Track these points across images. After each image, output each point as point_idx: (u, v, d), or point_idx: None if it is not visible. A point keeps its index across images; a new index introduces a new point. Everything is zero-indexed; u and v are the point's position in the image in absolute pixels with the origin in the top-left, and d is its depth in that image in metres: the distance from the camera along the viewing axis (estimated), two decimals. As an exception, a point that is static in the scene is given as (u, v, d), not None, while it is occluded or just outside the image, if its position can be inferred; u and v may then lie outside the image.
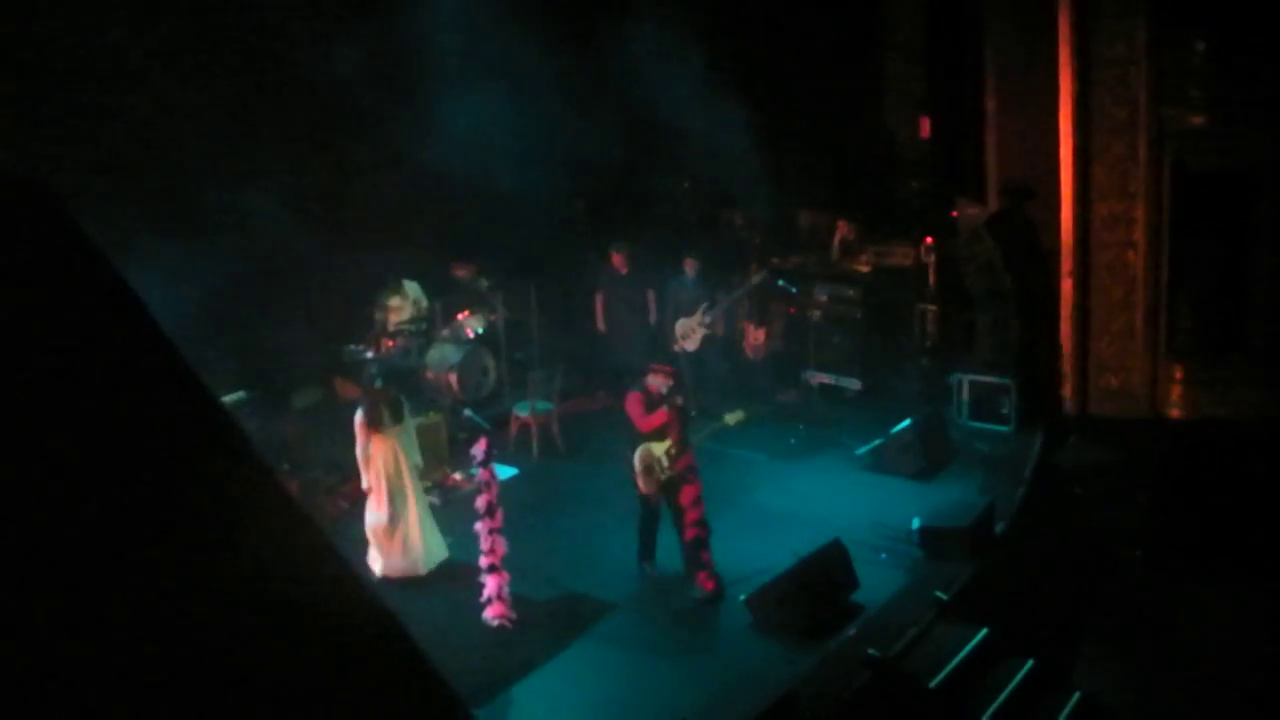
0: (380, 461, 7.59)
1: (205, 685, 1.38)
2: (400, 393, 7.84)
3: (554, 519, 8.75)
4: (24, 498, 1.34)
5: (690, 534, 7.51)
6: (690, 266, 10.95)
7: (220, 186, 8.80)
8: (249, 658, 1.44)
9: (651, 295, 10.79)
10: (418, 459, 7.83)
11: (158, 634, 1.35)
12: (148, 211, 8.25)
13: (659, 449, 7.44)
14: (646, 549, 7.71)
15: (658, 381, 7.47)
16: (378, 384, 7.71)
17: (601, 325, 10.73)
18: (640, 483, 7.47)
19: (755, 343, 11.96)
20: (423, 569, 7.67)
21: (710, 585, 7.41)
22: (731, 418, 7.78)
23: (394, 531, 7.57)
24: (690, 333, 10.87)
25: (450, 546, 8.10)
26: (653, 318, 10.72)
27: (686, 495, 7.54)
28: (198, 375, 1.56)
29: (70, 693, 1.29)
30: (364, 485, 7.62)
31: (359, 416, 7.60)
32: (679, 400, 7.52)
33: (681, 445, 7.50)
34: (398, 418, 7.67)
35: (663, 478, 7.45)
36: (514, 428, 10.12)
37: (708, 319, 10.88)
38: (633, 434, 7.44)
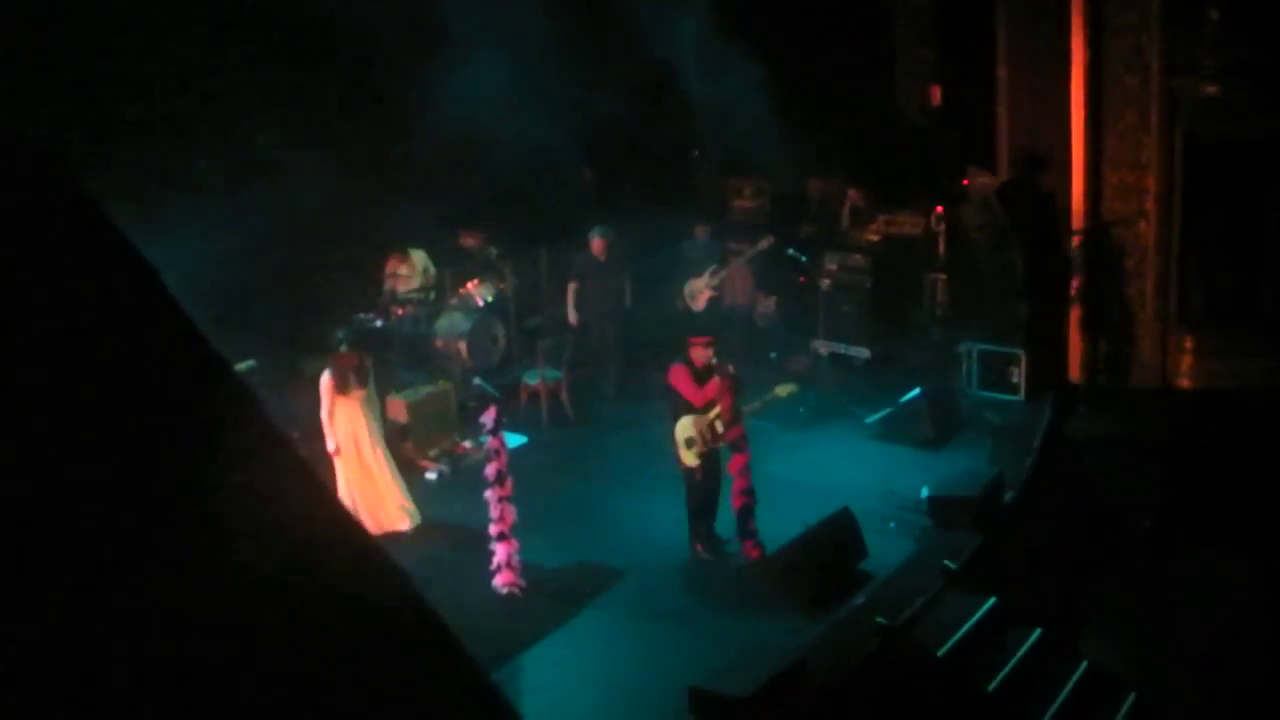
0: (345, 423, 7.68)
1: (225, 657, 1.38)
2: (368, 358, 7.90)
3: (563, 487, 8.76)
4: (36, 466, 1.32)
5: (739, 502, 7.52)
6: (701, 232, 10.99)
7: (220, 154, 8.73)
8: (268, 628, 1.44)
9: (628, 282, 10.66)
10: (378, 424, 7.91)
11: (175, 603, 1.34)
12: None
13: (702, 421, 7.36)
14: (701, 529, 7.56)
15: (701, 352, 7.37)
16: (343, 349, 7.74)
17: (573, 317, 10.54)
18: (684, 457, 7.40)
19: (765, 311, 11.99)
20: (401, 525, 7.78)
21: (755, 554, 7.41)
22: (783, 389, 7.81)
23: (359, 488, 7.65)
24: (697, 293, 10.90)
25: (458, 514, 8.12)
26: (629, 301, 10.55)
27: (735, 464, 7.54)
28: (210, 344, 1.49)
29: (84, 664, 1.27)
30: (330, 447, 7.66)
31: (325, 380, 7.65)
32: (730, 368, 7.44)
33: (734, 414, 7.44)
34: (363, 382, 7.72)
35: (706, 450, 7.38)
36: (523, 396, 10.09)
37: (715, 280, 10.87)
38: (675, 407, 7.36)
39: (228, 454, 1.48)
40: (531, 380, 10.16)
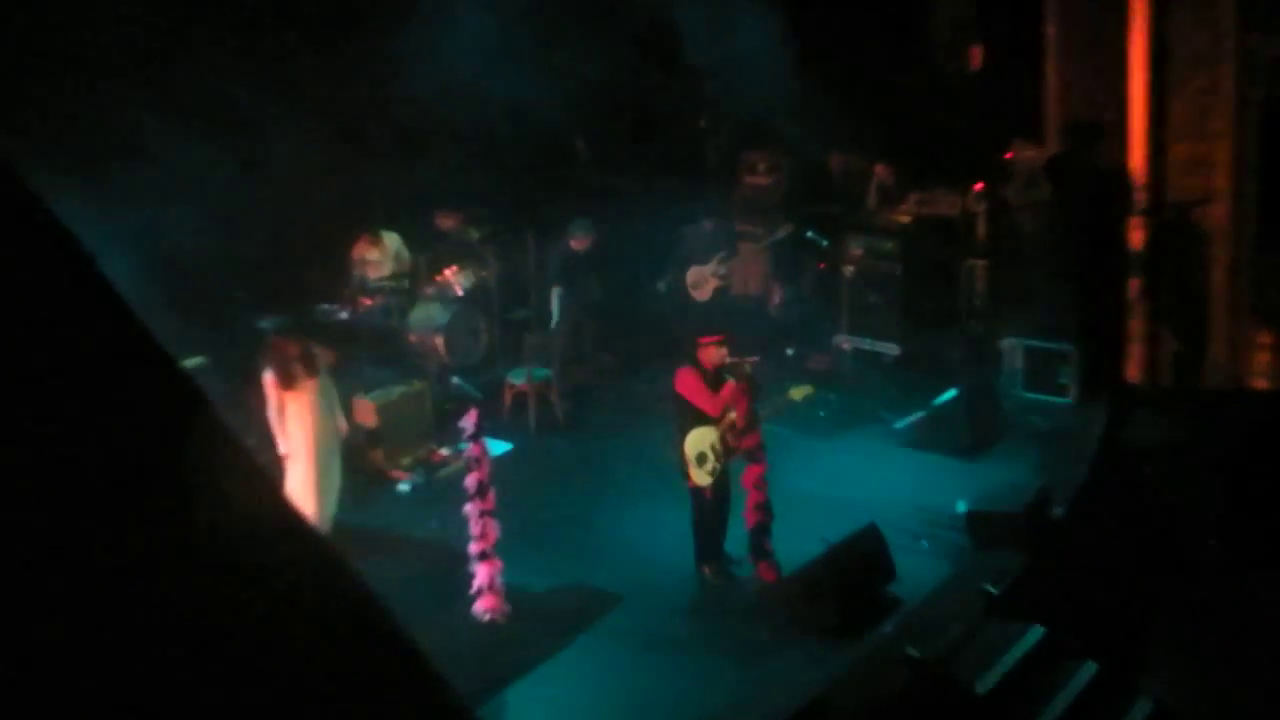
0: (296, 421, 7.66)
1: (172, 692, 1.43)
2: (311, 345, 7.92)
3: (553, 500, 8.81)
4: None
5: (753, 519, 7.51)
6: (708, 226, 11.00)
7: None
8: (224, 653, 1.48)
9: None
10: (340, 420, 7.93)
11: (126, 618, 1.41)
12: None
13: (715, 433, 7.34)
14: (707, 549, 7.58)
15: (713, 353, 7.34)
16: (276, 334, 7.77)
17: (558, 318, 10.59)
18: (694, 474, 7.37)
19: (781, 301, 11.97)
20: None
21: (771, 576, 7.42)
22: (798, 392, 7.82)
23: (318, 498, 7.65)
24: (702, 282, 10.85)
25: (434, 530, 8.13)
26: (595, 294, 10.64)
27: (750, 476, 7.53)
28: (162, 348, 1.56)
29: (33, 672, 1.34)
30: (280, 450, 7.64)
31: (267, 376, 7.64)
32: (746, 368, 7.41)
33: (750, 420, 7.42)
34: (312, 371, 7.71)
35: (719, 465, 7.37)
36: (508, 397, 10.07)
37: (723, 269, 10.83)
38: (684, 418, 7.34)
39: (174, 463, 1.51)
40: (517, 380, 10.13)
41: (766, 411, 7.72)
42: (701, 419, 7.33)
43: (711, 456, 7.35)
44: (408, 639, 1.75)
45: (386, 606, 1.71)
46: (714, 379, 7.35)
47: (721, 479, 7.45)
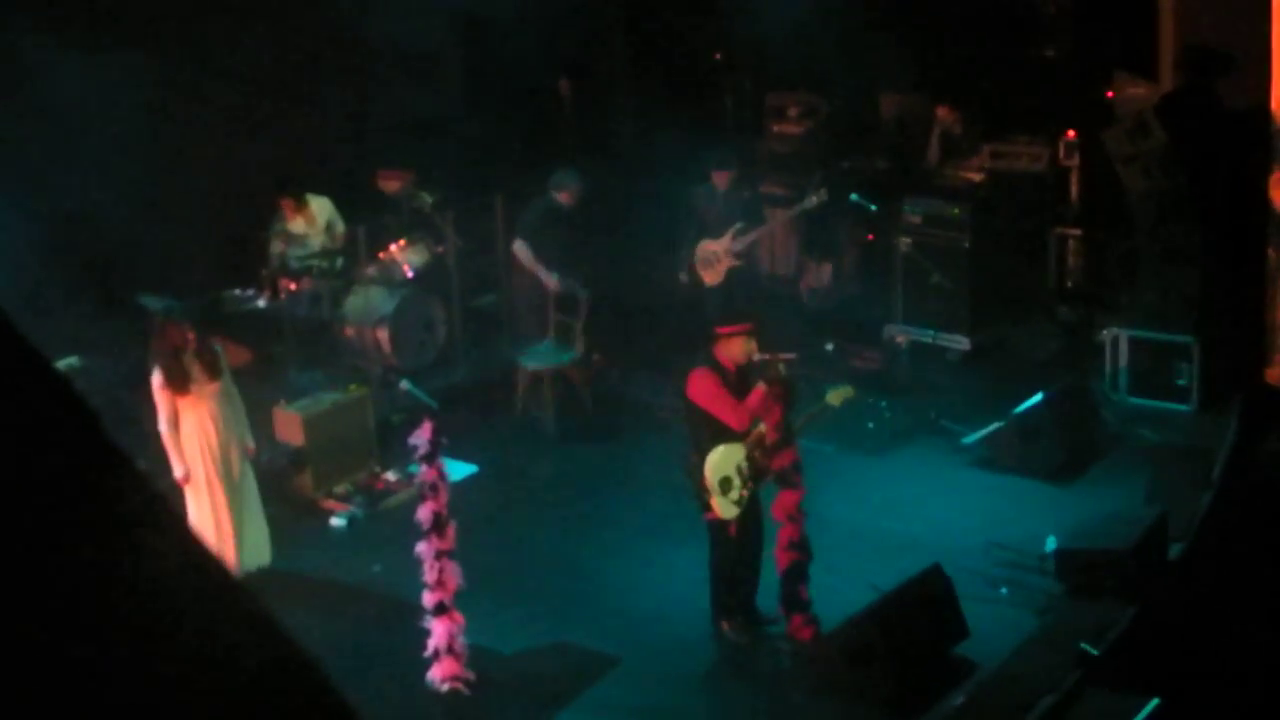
0: (194, 435, 7.69)
1: None
2: (213, 339, 7.96)
3: (531, 537, 8.86)
4: None
5: (786, 560, 7.45)
6: (722, 180, 10.96)
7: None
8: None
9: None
10: (244, 431, 7.98)
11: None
12: None
13: (741, 451, 7.30)
14: (730, 600, 7.57)
15: (738, 348, 7.29)
16: (162, 322, 7.72)
17: (549, 280, 10.62)
18: (716, 504, 7.31)
19: (817, 284, 11.98)
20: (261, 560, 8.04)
21: (808, 634, 7.41)
22: (836, 396, 7.65)
23: (219, 527, 7.72)
24: (713, 262, 10.87)
25: (378, 577, 8.12)
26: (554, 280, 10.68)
27: (783, 504, 7.46)
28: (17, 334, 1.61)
29: None
30: (176, 474, 7.66)
31: (155, 378, 7.62)
32: (781, 366, 7.33)
33: (784, 433, 7.37)
34: (213, 373, 7.73)
35: (747, 493, 7.33)
36: (520, 386, 10.29)
37: (738, 246, 10.86)
38: (702, 430, 7.30)
39: (51, 491, 1.56)
40: (535, 363, 10.25)
41: (798, 422, 7.63)
42: (724, 434, 7.27)
43: (738, 481, 7.30)
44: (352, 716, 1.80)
45: (327, 676, 1.77)
46: (739, 382, 7.32)
47: (750, 510, 7.41)
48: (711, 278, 10.92)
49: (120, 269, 9.49)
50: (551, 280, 10.60)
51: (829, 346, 11.29)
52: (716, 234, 10.91)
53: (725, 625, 7.62)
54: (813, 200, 11.01)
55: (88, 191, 9.11)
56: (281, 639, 1.76)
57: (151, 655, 1.60)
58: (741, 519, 7.37)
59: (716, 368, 7.32)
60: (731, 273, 10.92)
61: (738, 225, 10.92)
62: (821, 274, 11.98)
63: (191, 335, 7.72)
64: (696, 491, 7.36)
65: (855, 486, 9.25)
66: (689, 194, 11.05)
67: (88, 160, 9.06)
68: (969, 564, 7.97)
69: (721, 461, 7.28)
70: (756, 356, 7.32)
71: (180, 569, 1.66)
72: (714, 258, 10.90)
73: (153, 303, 8.24)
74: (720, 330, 7.40)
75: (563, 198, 10.59)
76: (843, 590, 7.59)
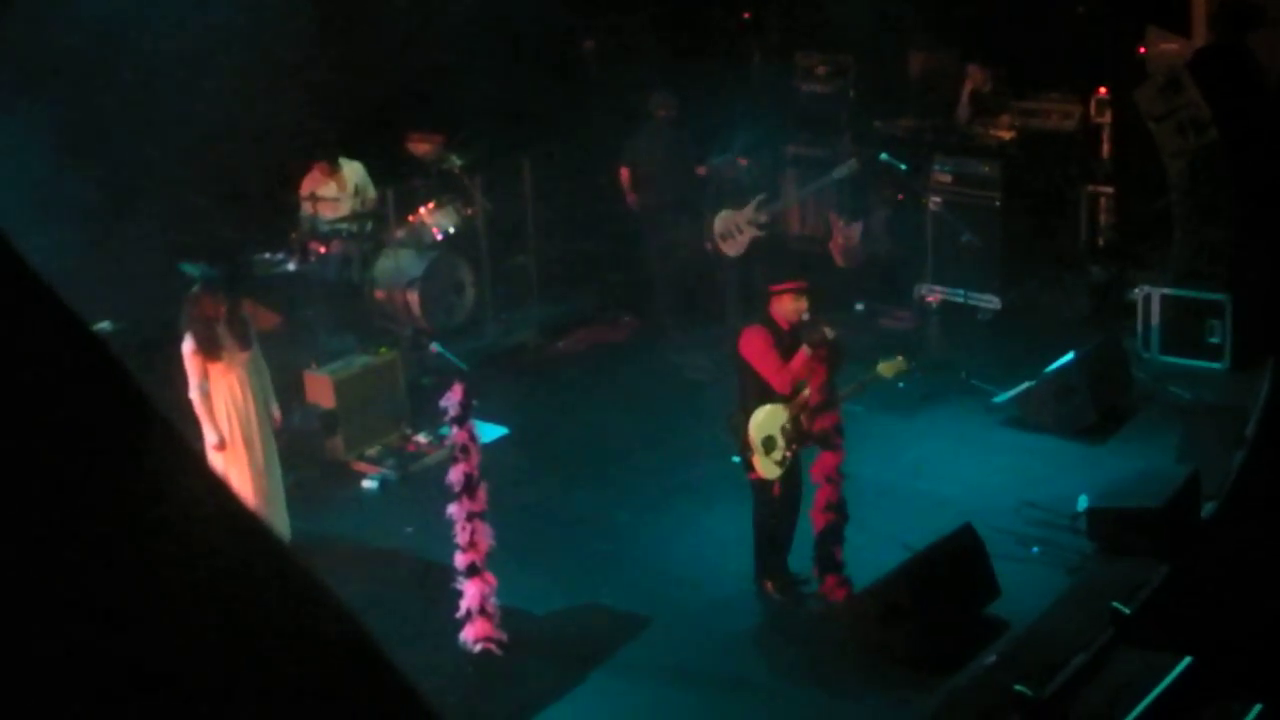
0: (224, 403, 7.73)
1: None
2: (242, 306, 8.00)
3: (563, 499, 8.90)
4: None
5: (822, 521, 7.52)
6: (741, 160, 11.07)
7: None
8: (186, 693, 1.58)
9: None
10: (271, 401, 8.03)
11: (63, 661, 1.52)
12: None
13: (786, 413, 7.32)
14: (773, 559, 7.63)
15: (788, 306, 7.29)
16: (198, 292, 7.75)
17: (631, 196, 10.96)
18: (759, 464, 7.34)
19: (847, 244, 11.96)
20: None
21: (841, 594, 7.46)
22: (887, 367, 7.67)
23: (264, 503, 7.77)
24: (734, 233, 10.84)
25: (410, 538, 8.21)
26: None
27: (822, 466, 7.52)
28: (61, 303, 1.61)
29: None
30: (210, 442, 7.69)
31: (186, 345, 7.66)
32: (826, 330, 7.30)
33: (828, 395, 7.39)
34: (244, 342, 7.78)
35: (790, 454, 7.37)
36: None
37: (763, 216, 10.79)
38: (748, 391, 7.33)
39: (117, 484, 1.58)
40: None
41: (846, 390, 7.66)
42: (770, 394, 7.30)
43: (781, 441, 7.32)
44: (400, 674, 1.78)
45: (371, 633, 1.75)
46: (792, 343, 7.31)
47: (793, 470, 7.45)
48: (732, 248, 10.85)
49: (154, 232, 9.48)
50: (633, 196, 10.79)
51: (859, 306, 11.29)
52: (738, 204, 10.86)
53: (769, 585, 7.66)
54: (844, 170, 10.95)
55: (140, 149, 9.08)
56: (329, 600, 1.77)
57: (190, 611, 1.60)
58: (785, 479, 7.40)
59: (770, 326, 7.35)
60: (755, 243, 10.85)
61: (761, 196, 10.88)
62: (851, 234, 11.90)
63: (224, 305, 7.76)
64: (740, 450, 7.39)
65: (887, 447, 9.24)
66: (710, 165, 11.04)
67: (127, 116, 9.06)
68: (1001, 523, 7.97)
69: (766, 421, 7.29)
70: (806, 316, 7.31)
71: (219, 522, 1.68)
72: (735, 229, 10.83)
73: (192, 270, 8.24)
74: (772, 288, 7.43)
75: (660, 114, 10.74)
76: (874, 550, 7.62)
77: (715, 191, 10.96)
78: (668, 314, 10.99)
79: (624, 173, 10.96)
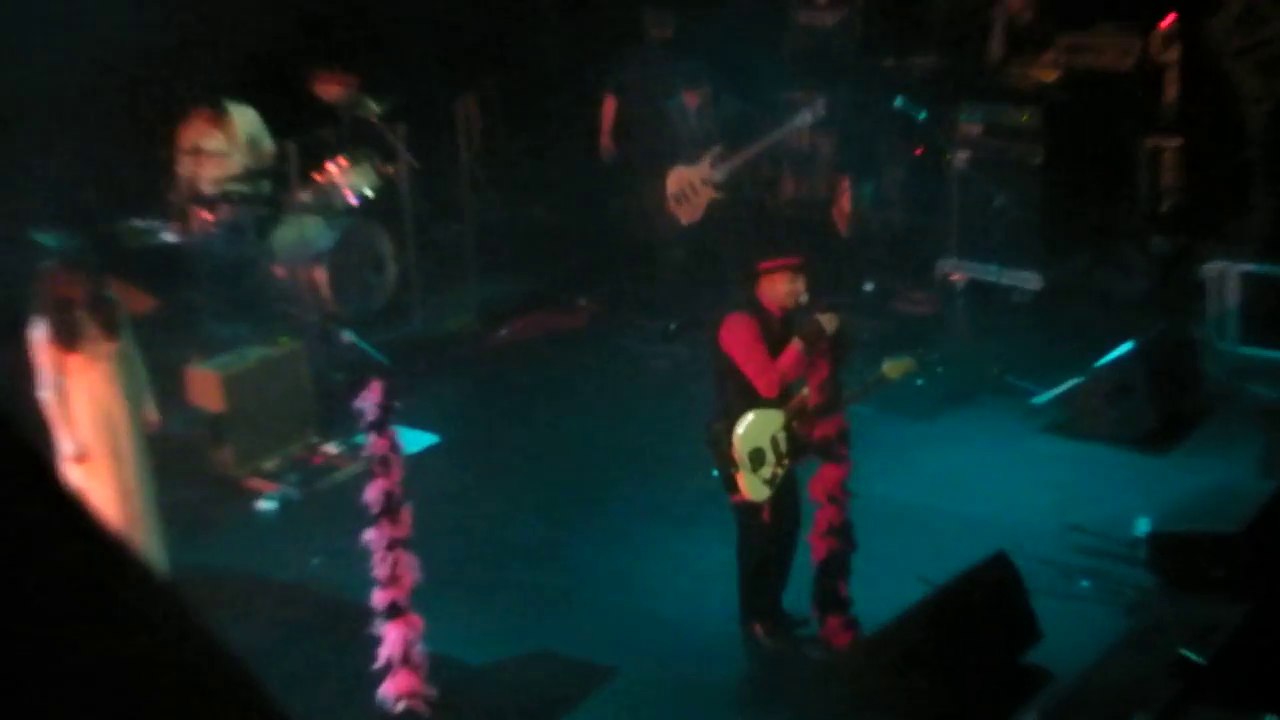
0: (85, 404, 7.64)
1: None
2: (107, 285, 7.88)
3: (506, 521, 8.93)
4: None
5: (824, 548, 7.49)
6: (692, 99, 11.04)
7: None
8: None
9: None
10: (144, 401, 7.94)
11: None
12: None
13: (779, 419, 7.31)
14: (762, 598, 7.64)
15: (780, 288, 7.28)
16: (54, 266, 7.68)
17: (608, 140, 11.06)
18: (744, 483, 7.30)
19: (854, 210, 12.03)
20: None
21: (846, 638, 7.47)
22: (894, 368, 7.63)
23: (136, 525, 7.71)
24: (688, 194, 10.86)
25: (316, 571, 8.19)
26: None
27: (824, 482, 7.46)
28: None
29: None
30: (67, 452, 7.60)
31: (37, 332, 7.57)
32: (826, 321, 7.24)
33: (830, 396, 7.37)
34: (110, 330, 7.71)
35: (783, 470, 7.36)
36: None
37: (719, 174, 10.81)
38: (733, 392, 7.33)
39: None
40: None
41: (847, 395, 7.65)
42: (757, 396, 7.27)
43: (771, 456, 7.29)
44: None
45: (267, 689, 1.81)
46: (783, 333, 7.31)
47: (786, 490, 7.44)
48: (688, 213, 10.94)
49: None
50: (607, 139, 10.97)
51: (868, 287, 11.36)
52: (692, 159, 10.94)
53: (758, 629, 7.65)
54: (807, 116, 10.96)
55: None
56: (214, 648, 1.80)
57: (39, 662, 1.60)
58: (776, 501, 7.38)
59: (758, 313, 7.31)
60: (713, 207, 10.92)
61: (716, 149, 10.92)
62: (859, 198, 11.91)
63: (86, 285, 7.67)
64: (720, 465, 7.36)
65: (902, 457, 9.31)
66: (662, 111, 11.09)
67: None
68: (1042, 551, 8.01)
69: (754, 430, 7.27)
70: (803, 300, 7.30)
71: (76, 552, 1.68)
72: (690, 190, 10.90)
73: (46, 240, 8.17)
74: (760, 266, 7.39)
75: (655, 33, 10.97)
76: (887, 585, 7.60)
77: (670, 141, 11.02)
78: (662, 297, 11.07)
79: (608, 105, 11.06)
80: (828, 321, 7.25)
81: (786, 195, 12.41)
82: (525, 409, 10.29)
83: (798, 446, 7.38)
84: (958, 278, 11.34)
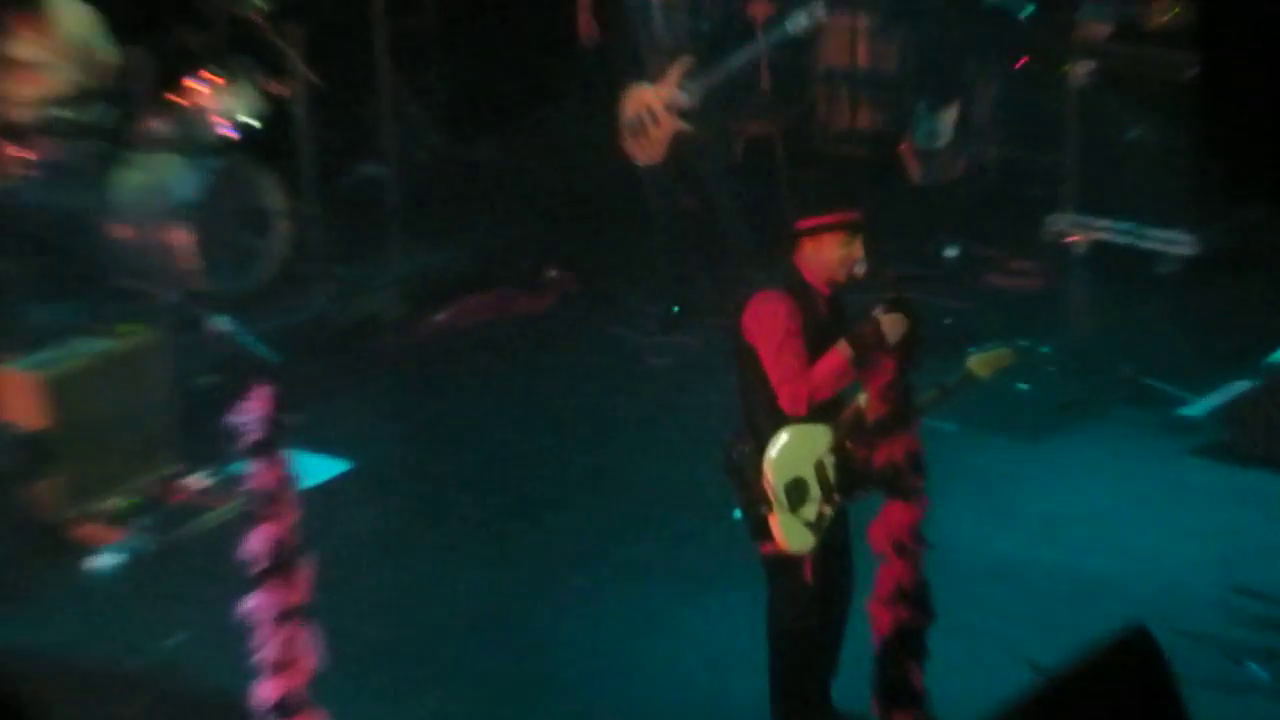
0: None
1: None
2: None
3: (442, 579, 9.00)
4: None
5: (888, 619, 7.40)
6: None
7: None
8: None
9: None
10: None
11: None
12: None
13: (826, 438, 7.32)
14: (804, 687, 7.64)
15: (830, 255, 7.28)
16: None
17: (588, 21, 11.30)
18: (779, 528, 7.27)
19: (930, 147, 12.31)
20: None
21: None
22: (984, 363, 7.55)
23: None
24: (646, 123, 10.96)
25: (173, 653, 8.26)
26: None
27: (891, 525, 7.39)
28: None
29: None
30: None
31: None
32: (892, 320, 7.13)
33: (898, 406, 7.31)
34: None
35: (833, 508, 7.33)
36: None
37: (687, 96, 10.93)
38: (762, 400, 7.32)
39: None
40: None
41: (922, 400, 7.52)
42: (780, 416, 7.26)
43: (817, 489, 7.27)
44: None
45: None
46: (832, 320, 7.32)
47: (837, 537, 7.45)
48: (645, 151, 10.98)
49: None
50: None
51: (950, 251, 11.55)
52: (656, 70, 11.00)
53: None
54: (802, 21, 11.00)
55: None
56: None
57: None
58: (822, 553, 7.38)
59: (798, 291, 7.29)
60: (682, 144, 10.97)
61: (686, 61, 10.95)
62: (938, 129, 12.02)
63: None
64: (745, 503, 7.33)
65: (998, 492, 9.40)
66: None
67: None
68: (1196, 623, 8.07)
69: (792, 454, 7.24)
70: (862, 268, 7.27)
71: None
72: (648, 117, 10.93)
73: None
74: (801, 225, 7.35)
75: None
76: (978, 670, 7.69)
77: (624, 47, 11.13)
78: (664, 268, 11.21)
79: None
80: (890, 324, 7.14)
81: (836, 127, 12.49)
82: (472, 424, 10.33)
83: (853, 477, 7.35)
84: (1077, 239, 11.46)
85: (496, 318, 11.34)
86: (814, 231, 7.29)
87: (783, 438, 7.21)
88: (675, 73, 10.87)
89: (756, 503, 7.24)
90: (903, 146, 12.22)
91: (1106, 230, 11.46)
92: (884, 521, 7.34)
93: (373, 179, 11.64)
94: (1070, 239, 11.48)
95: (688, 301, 11.00)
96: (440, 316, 11.29)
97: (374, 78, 11.51)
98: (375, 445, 9.94)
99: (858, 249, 7.25)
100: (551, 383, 10.71)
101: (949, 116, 12.08)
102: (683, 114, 10.88)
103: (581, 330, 11.19)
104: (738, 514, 7.43)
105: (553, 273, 11.41)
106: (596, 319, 11.25)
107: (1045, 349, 10.48)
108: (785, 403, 7.17)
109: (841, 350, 7.12)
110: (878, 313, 7.12)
